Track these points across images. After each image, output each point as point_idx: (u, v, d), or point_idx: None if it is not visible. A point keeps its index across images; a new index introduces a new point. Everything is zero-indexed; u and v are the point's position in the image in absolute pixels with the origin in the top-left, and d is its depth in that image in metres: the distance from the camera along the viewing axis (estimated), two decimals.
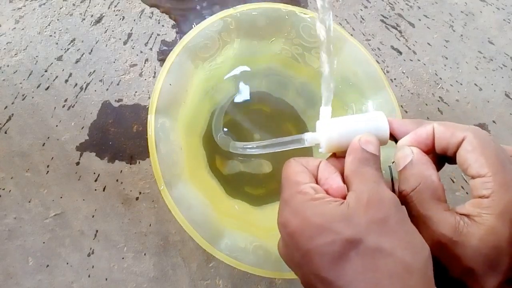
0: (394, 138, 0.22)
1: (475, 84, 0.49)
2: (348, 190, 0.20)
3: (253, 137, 0.35)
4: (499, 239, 0.17)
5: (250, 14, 0.30)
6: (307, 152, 0.36)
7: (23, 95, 0.37)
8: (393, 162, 0.21)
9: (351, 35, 0.32)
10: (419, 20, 0.52)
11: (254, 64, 0.36)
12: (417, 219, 0.19)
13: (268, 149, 0.26)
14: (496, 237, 0.17)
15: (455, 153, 0.19)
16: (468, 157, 0.18)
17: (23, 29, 0.40)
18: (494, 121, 0.48)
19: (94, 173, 0.35)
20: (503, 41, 0.53)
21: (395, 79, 0.47)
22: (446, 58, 0.50)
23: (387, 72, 0.47)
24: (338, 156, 0.23)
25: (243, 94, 0.36)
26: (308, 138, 0.24)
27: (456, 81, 0.49)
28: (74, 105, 0.38)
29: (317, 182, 0.21)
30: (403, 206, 0.19)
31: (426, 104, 0.46)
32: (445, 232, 0.18)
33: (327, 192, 0.20)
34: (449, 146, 0.19)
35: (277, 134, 0.36)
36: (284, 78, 0.37)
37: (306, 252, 0.18)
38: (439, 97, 0.47)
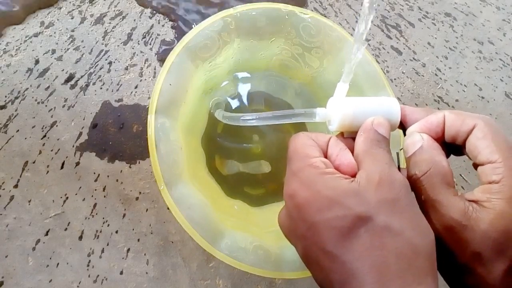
0: (402, 126, 0.23)
1: (475, 84, 0.49)
2: (358, 169, 0.20)
3: (252, 137, 0.35)
4: (508, 224, 0.17)
5: (250, 14, 0.30)
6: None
7: (23, 95, 0.37)
8: (401, 149, 0.21)
9: (351, 35, 0.32)
10: (419, 20, 0.52)
11: (253, 64, 0.36)
12: (426, 203, 0.19)
13: (276, 120, 0.25)
14: (505, 221, 0.17)
15: (464, 141, 0.20)
16: (478, 144, 0.19)
17: (23, 29, 0.40)
18: None
19: (94, 173, 0.35)
20: (503, 41, 0.53)
21: (395, 79, 0.47)
22: (446, 58, 0.50)
23: (387, 72, 0.47)
24: (345, 136, 0.23)
25: (243, 94, 0.36)
26: (320, 113, 0.23)
27: (456, 81, 0.49)
28: (74, 105, 0.38)
29: (326, 158, 0.21)
30: (412, 191, 0.19)
31: (426, 104, 0.46)
32: (455, 216, 0.18)
33: (337, 168, 0.20)
34: (459, 134, 0.20)
35: (276, 133, 0.36)
36: (283, 79, 0.37)
37: (313, 224, 0.18)
38: (439, 97, 0.47)
